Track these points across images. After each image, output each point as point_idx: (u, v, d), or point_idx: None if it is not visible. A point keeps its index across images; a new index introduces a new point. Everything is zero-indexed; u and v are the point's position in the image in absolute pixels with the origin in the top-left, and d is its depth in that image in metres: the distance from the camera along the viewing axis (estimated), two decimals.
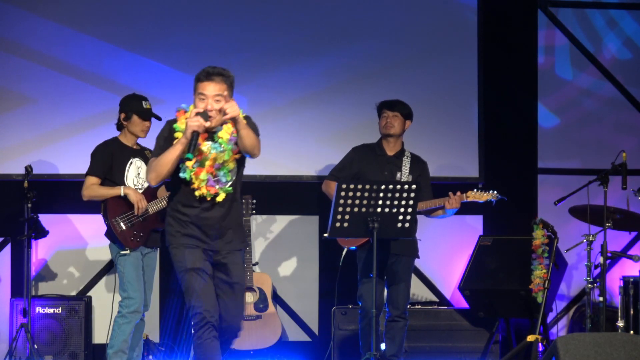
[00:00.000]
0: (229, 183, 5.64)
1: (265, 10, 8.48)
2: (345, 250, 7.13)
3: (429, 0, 8.67)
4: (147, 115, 7.06)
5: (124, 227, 6.89)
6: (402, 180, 7.04)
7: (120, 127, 7.11)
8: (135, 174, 7.04)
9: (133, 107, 7.04)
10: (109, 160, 6.98)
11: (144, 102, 7.07)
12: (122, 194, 6.91)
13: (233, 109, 5.50)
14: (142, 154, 7.14)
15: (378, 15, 8.58)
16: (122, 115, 7.05)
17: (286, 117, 8.48)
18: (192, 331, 5.68)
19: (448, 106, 8.65)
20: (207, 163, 5.59)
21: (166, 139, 5.66)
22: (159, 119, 7.09)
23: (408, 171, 7.07)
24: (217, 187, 5.61)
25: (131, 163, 7.04)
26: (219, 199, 5.63)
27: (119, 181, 6.97)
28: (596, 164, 8.47)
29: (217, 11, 8.43)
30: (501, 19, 8.75)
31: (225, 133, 5.60)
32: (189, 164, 5.58)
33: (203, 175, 5.59)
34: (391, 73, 8.57)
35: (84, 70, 8.28)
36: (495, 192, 6.98)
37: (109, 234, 6.95)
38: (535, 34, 8.83)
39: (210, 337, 5.62)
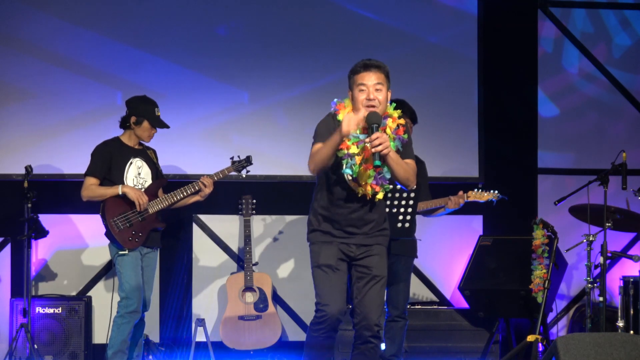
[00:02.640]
0: (390, 181, 5.52)
1: (268, 10, 8.49)
2: None
3: (429, 2, 8.67)
4: (159, 124, 7.07)
5: (121, 227, 6.89)
6: None
7: (124, 126, 7.09)
8: (136, 174, 7.04)
9: (146, 113, 7.02)
10: (108, 161, 6.97)
11: (156, 109, 7.06)
12: (121, 193, 6.91)
13: (384, 144, 5.28)
14: (145, 154, 7.13)
15: (378, 15, 8.58)
16: (133, 119, 7.03)
17: (286, 116, 8.48)
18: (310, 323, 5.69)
19: (448, 107, 8.65)
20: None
21: (328, 130, 5.51)
22: (167, 127, 7.10)
23: None
24: (380, 185, 5.48)
25: (131, 163, 7.03)
26: (379, 196, 5.53)
27: (118, 181, 6.97)
28: (595, 162, 8.50)
29: (218, 8, 8.44)
30: (501, 20, 8.75)
31: (389, 127, 5.46)
32: (357, 159, 5.42)
33: (371, 172, 5.43)
34: (391, 73, 8.56)
35: (84, 66, 8.28)
36: (496, 191, 6.98)
37: (108, 234, 6.95)
38: (535, 35, 8.83)
39: (322, 333, 5.64)
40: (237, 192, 8.30)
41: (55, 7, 8.27)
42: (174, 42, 8.38)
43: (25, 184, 7.50)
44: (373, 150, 5.27)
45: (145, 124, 7.02)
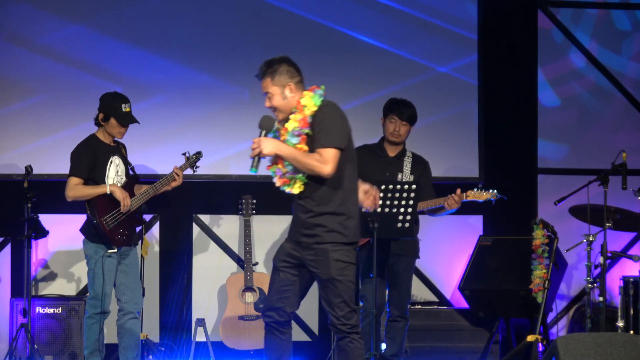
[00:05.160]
0: (297, 172, 5.54)
1: (270, 12, 8.48)
2: None
3: (429, 3, 8.66)
4: (126, 120, 6.98)
5: (111, 226, 6.87)
6: (404, 180, 7.05)
7: (97, 123, 7.04)
8: (115, 172, 7.01)
9: (113, 109, 6.95)
10: (92, 160, 6.94)
11: (123, 105, 6.97)
12: (109, 192, 6.88)
13: (256, 148, 5.49)
14: (119, 151, 7.08)
15: (377, 13, 8.58)
16: (101, 116, 6.98)
17: None
18: None
19: (448, 107, 8.65)
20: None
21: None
22: (137, 122, 7.04)
23: (409, 171, 7.07)
24: (283, 177, 5.58)
25: (111, 162, 7.01)
26: (295, 189, 5.58)
27: (101, 181, 6.93)
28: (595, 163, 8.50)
29: (220, 8, 8.43)
30: (501, 19, 8.75)
31: (291, 124, 5.55)
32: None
33: (273, 167, 5.64)
34: (391, 74, 8.57)
35: (84, 65, 8.27)
36: (495, 191, 6.97)
37: (91, 232, 6.90)
38: (535, 34, 8.83)
39: (268, 330, 5.75)
40: (237, 192, 8.30)
41: (56, 6, 8.26)
42: (175, 40, 8.36)
43: (25, 184, 7.50)
44: (251, 155, 5.50)
45: (113, 121, 6.96)
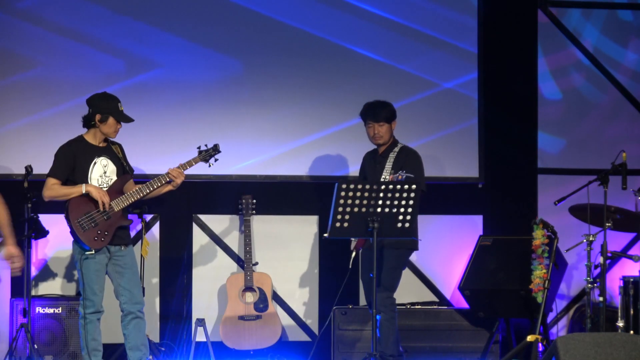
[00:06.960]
0: None
1: (271, 25, 8.47)
2: (354, 254, 7.08)
3: (429, 3, 8.65)
4: (124, 118, 6.96)
5: (87, 228, 6.81)
6: (385, 175, 7.05)
7: (87, 125, 7.01)
8: (101, 173, 6.96)
9: (110, 108, 6.92)
10: (71, 162, 6.90)
11: (119, 105, 6.97)
12: (84, 191, 6.85)
13: None
14: (110, 151, 7.02)
15: (376, 10, 8.59)
16: (98, 117, 6.93)
17: (286, 116, 8.47)
18: None
19: (448, 107, 8.64)
20: None
21: None
22: (132, 120, 7.01)
23: (391, 166, 7.08)
24: None
25: (95, 163, 6.96)
26: None
27: (81, 182, 6.88)
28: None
29: (219, 21, 8.43)
30: (501, 18, 8.74)
31: None
32: None
33: None
34: (390, 71, 8.57)
35: (84, 57, 8.26)
36: (403, 172, 6.84)
37: (73, 234, 6.89)
38: (535, 34, 8.82)
39: None
40: (237, 192, 8.30)
41: None
42: (176, 14, 8.35)
43: (25, 184, 7.50)
44: None
45: (111, 120, 6.93)
